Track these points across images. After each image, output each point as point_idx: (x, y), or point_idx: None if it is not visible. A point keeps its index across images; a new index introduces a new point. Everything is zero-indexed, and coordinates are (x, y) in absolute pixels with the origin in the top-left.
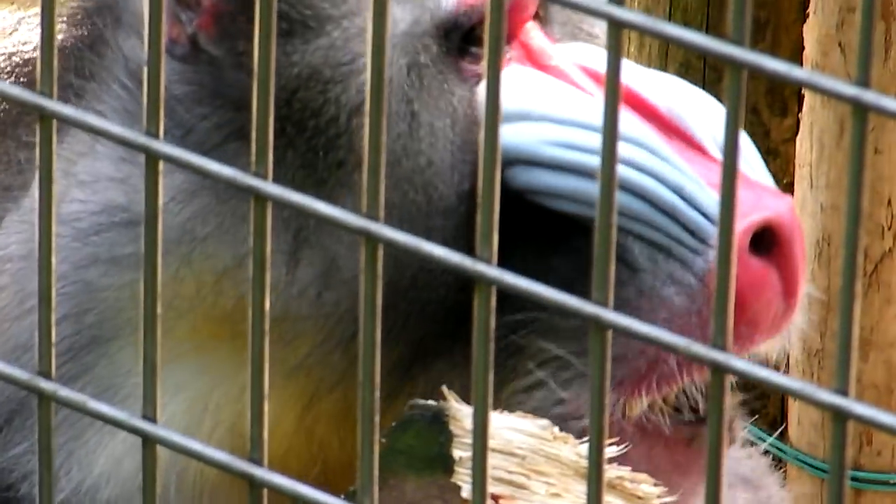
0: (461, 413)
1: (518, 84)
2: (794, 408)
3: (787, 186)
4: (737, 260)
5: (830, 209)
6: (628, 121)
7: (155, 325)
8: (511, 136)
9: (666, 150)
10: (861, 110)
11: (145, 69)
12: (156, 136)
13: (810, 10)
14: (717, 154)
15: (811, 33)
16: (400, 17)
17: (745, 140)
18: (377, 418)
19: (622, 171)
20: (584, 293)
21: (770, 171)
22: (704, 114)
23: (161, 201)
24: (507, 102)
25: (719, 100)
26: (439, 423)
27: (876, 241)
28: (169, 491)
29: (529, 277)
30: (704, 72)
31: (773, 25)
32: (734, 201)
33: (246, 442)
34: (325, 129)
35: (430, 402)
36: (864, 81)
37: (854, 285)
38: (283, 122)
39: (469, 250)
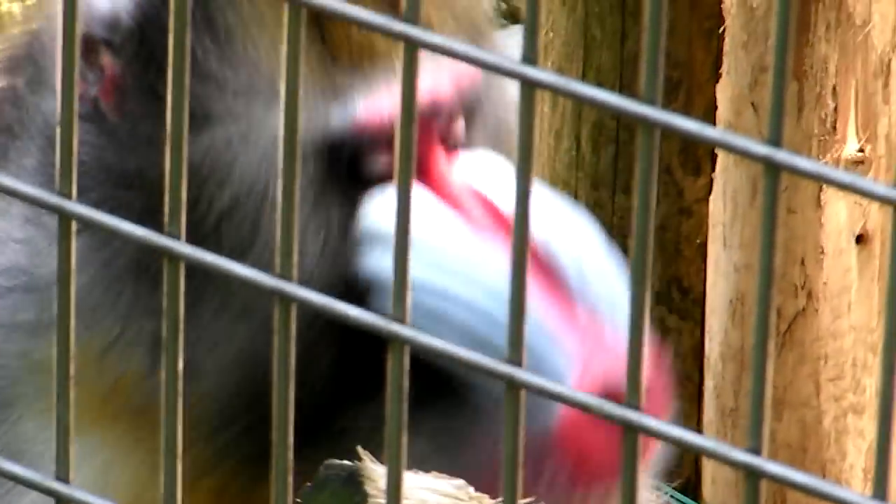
0: (376, 473)
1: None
2: (708, 467)
3: (701, 246)
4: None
5: (744, 269)
6: (495, 266)
7: (68, 386)
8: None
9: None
10: (773, 169)
11: (58, 128)
12: (68, 196)
13: (723, 69)
14: (583, 290)
15: (724, 93)
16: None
17: (614, 275)
18: (290, 479)
19: (476, 317)
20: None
21: (684, 231)
22: (578, 245)
23: (74, 262)
24: (382, 225)
25: (634, 159)
26: (354, 483)
27: (789, 300)
28: None
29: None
30: (618, 131)
31: (687, 85)
32: (645, 257)
33: None
34: (196, 226)
35: (345, 462)
36: (776, 141)
37: (767, 344)
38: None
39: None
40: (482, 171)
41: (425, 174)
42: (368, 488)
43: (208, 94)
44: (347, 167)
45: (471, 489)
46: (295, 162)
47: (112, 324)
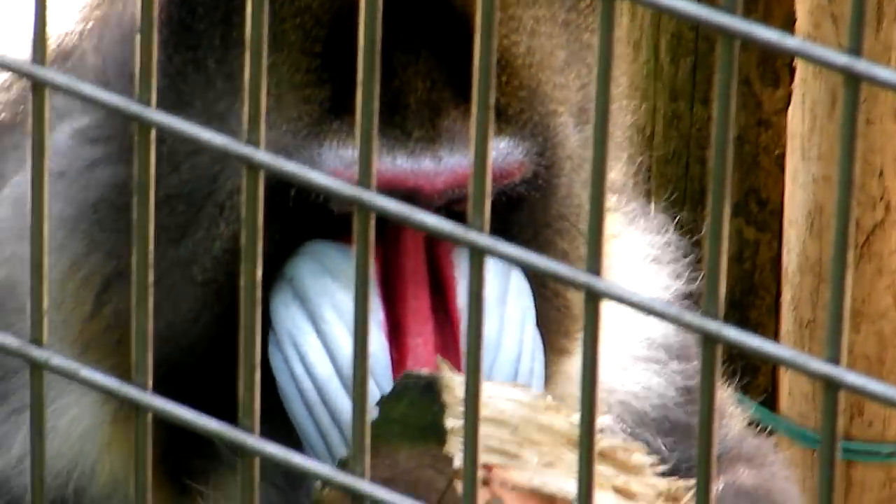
0: (454, 382)
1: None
2: (785, 378)
3: (779, 158)
4: None
5: (822, 180)
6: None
7: (147, 295)
8: (281, 307)
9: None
10: (853, 80)
11: (138, 37)
12: (148, 104)
13: None
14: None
15: (803, 4)
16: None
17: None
18: (367, 387)
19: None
20: None
21: (762, 142)
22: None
23: (153, 171)
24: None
25: (713, 70)
26: (432, 392)
27: (867, 212)
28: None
29: None
30: (697, 42)
31: None
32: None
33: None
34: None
35: (424, 371)
36: (855, 51)
37: (846, 256)
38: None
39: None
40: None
41: (394, 250)
42: (446, 397)
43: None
44: (303, 205)
45: (549, 398)
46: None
47: (104, 264)
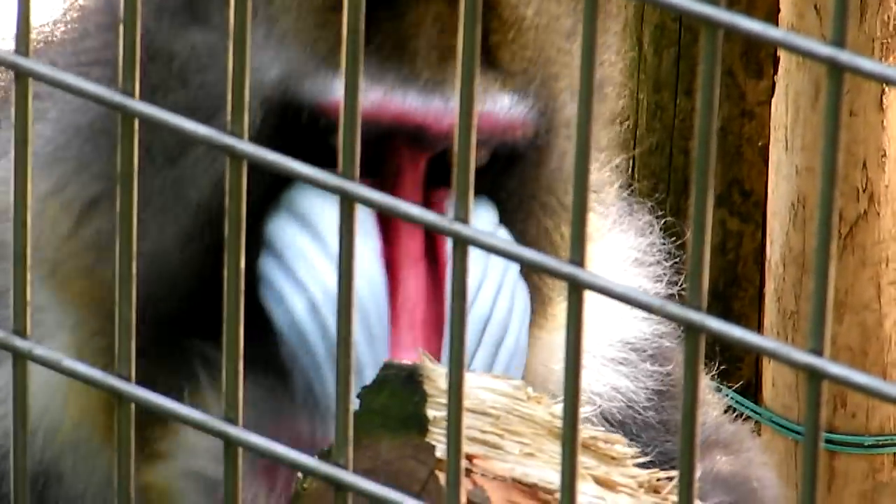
0: (435, 373)
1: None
2: (768, 369)
3: (763, 149)
4: None
5: (805, 171)
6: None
7: (131, 285)
8: (280, 229)
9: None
10: (836, 71)
11: (121, 27)
12: (131, 94)
13: None
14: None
15: None
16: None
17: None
18: (352, 378)
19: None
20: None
21: (745, 133)
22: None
23: (136, 162)
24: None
25: (696, 60)
26: (413, 382)
27: (851, 204)
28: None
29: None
30: (680, 33)
31: None
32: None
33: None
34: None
35: (405, 361)
36: (839, 42)
37: (829, 247)
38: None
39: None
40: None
41: (391, 187)
42: (427, 388)
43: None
44: (302, 141)
45: (529, 389)
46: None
47: (95, 178)
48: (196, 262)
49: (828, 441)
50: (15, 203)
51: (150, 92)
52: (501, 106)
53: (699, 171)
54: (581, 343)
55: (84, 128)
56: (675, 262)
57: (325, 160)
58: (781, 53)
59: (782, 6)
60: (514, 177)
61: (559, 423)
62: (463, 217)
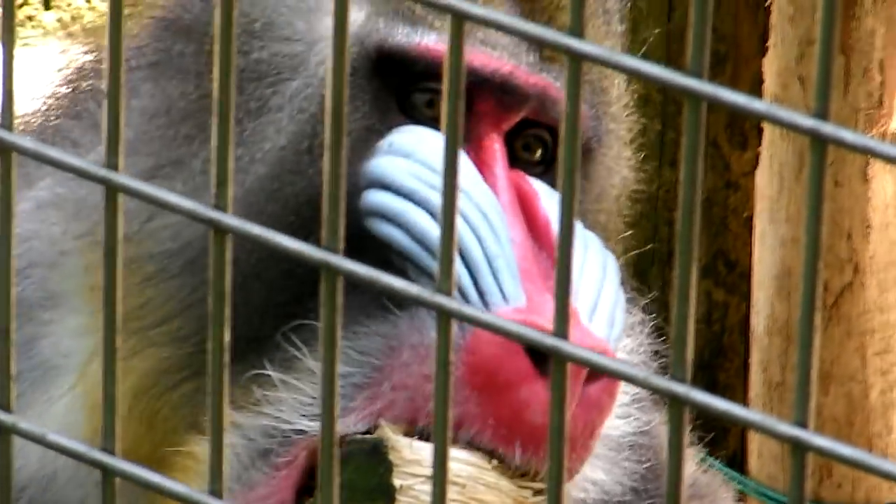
0: (399, 443)
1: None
2: (754, 440)
3: (747, 220)
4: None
5: (791, 242)
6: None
7: (115, 359)
8: (386, 164)
9: (503, 232)
10: (819, 142)
11: (105, 101)
12: (115, 168)
13: (770, 43)
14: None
15: (771, 67)
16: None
17: (608, 267)
18: (336, 451)
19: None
20: None
21: (730, 204)
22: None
23: (121, 234)
24: (405, 144)
25: (680, 132)
26: (378, 454)
27: (836, 275)
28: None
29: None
30: (664, 105)
31: (733, 59)
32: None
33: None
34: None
35: (367, 435)
36: (822, 114)
37: (813, 318)
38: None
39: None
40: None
41: (475, 154)
42: (392, 458)
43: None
44: (398, 84)
45: (493, 460)
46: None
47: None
48: (262, 218)
49: None
50: (0, 277)
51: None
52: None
53: (683, 242)
54: (565, 416)
55: (176, 95)
56: (661, 334)
57: (416, 108)
58: (766, 125)
59: (766, 77)
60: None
61: (524, 492)
62: (446, 290)
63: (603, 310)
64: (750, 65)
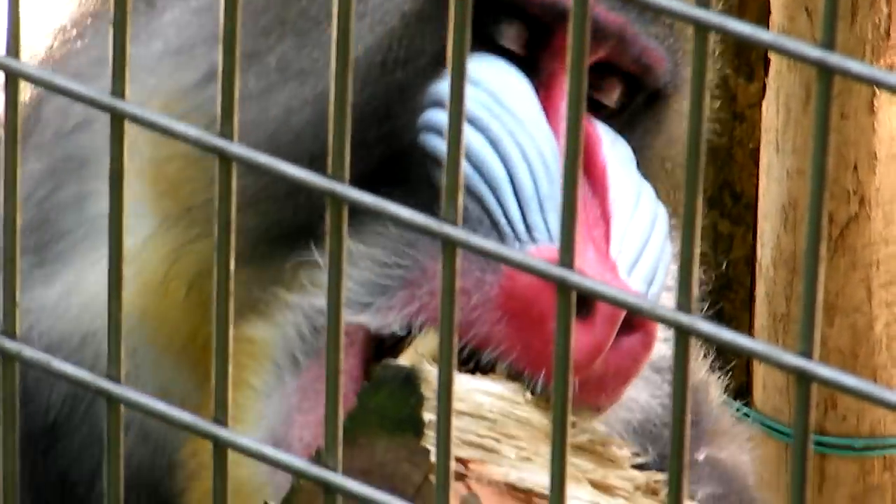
0: (433, 375)
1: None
2: (758, 372)
3: (754, 151)
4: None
5: (796, 174)
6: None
7: (119, 286)
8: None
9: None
10: (826, 73)
11: (111, 28)
12: (121, 95)
13: None
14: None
15: None
16: None
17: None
18: (341, 379)
19: (512, 149)
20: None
21: (736, 136)
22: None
23: (125, 163)
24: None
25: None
26: (411, 384)
27: (842, 206)
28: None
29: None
30: None
31: None
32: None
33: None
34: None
35: (402, 362)
36: (829, 44)
37: (819, 249)
38: None
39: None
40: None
41: (545, 90)
42: (424, 390)
43: None
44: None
45: (527, 393)
46: None
47: (196, 67)
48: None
49: (818, 444)
50: (6, 204)
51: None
52: (642, 30)
53: (689, 173)
54: (570, 346)
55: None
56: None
57: (493, 38)
58: (772, 56)
59: (773, 9)
60: (642, 123)
61: None
62: (452, 219)
63: (644, 265)
64: None
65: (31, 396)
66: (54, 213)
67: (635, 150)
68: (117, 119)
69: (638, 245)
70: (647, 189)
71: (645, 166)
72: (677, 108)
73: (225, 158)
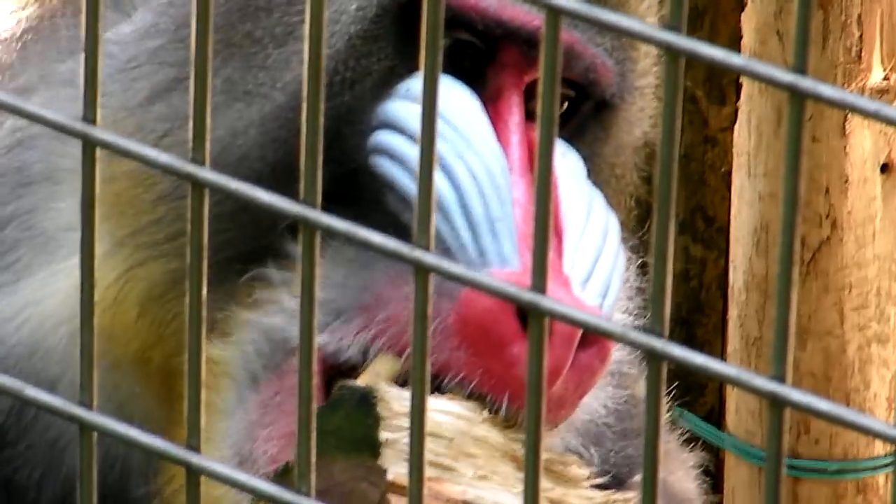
0: (389, 395)
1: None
2: (731, 396)
3: (725, 175)
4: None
5: (768, 197)
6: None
7: (91, 312)
8: (399, 108)
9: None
10: (798, 97)
11: (82, 55)
12: (93, 122)
13: None
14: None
15: (749, 22)
16: None
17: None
18: (314, 402)
19: (461, 172)
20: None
21: (708, 160)
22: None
23: (97, 189)
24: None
25: (658, 87)
26: (367, 404)
27: (814, 230)
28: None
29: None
30: None
31: (712, 14)
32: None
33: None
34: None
35: (359, 383)
36: (800, 68)
37: (791, 273)
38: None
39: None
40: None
41: (492, 106)
42: (381, 410)
43: None
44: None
45: (485, 412)
46: None
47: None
48: (276, 145)
49: (791, 467)
50: None
51: (237, 15)
52: (590, 43)
53: (661, 197)
54: (543, 370)
55: (158, 89)
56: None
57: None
58: (744, 80)
59: (744, 32)
60: (591, 131)
61: (514, 445)
62: (424, 245)
63: (598, 278)
64: (728, 19)
65: None
66: (5, 224)
67: (585, 159)
68: (89, 146)
69: (591, 258)
70: (597, 198)
71: (595, 174)
72: (626, 116)
73: (197, 184)
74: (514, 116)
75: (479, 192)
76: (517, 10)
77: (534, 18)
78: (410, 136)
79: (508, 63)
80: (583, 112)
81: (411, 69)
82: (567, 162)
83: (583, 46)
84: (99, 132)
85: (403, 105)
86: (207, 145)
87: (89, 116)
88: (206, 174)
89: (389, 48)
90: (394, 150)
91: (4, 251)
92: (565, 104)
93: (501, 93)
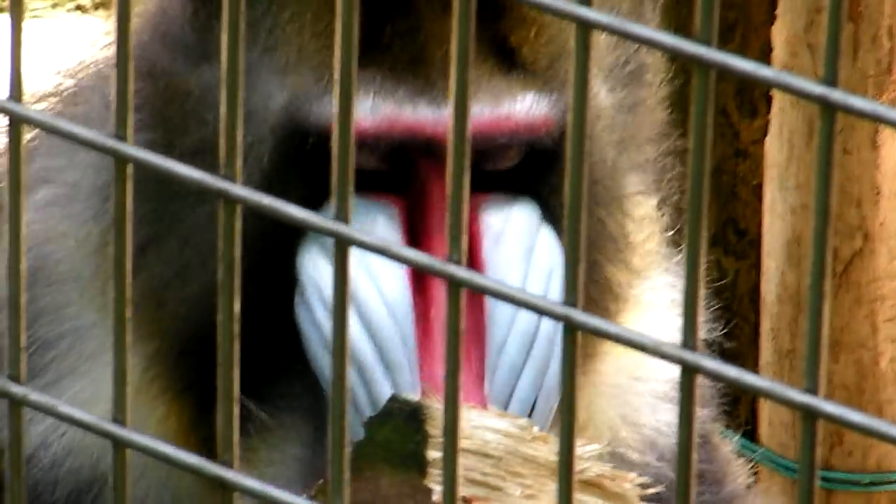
0: (439, 413)
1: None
2: (764, 408)
3: (757, 188)
4: None
5: (800, 209)
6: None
7: (125, 331)
8: (314, 264)
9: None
10: (829, 110)
11: (114, 70)
12: (124, 139)
13: (779, 11)
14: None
15: (780, 34)
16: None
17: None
18: (348, 418)
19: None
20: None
21: (740, 172)
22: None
23: (129, 205)
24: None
25: (689, 101)
26: (416, 421)
27: (846, 242)
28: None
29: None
30: (673, 73)
31: (742, 27)
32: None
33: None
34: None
35: (412, 397)
36: (831, 81)
37: (823, 285)
38: None
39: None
40: (504, 220)
41: (421, 201)
42: (429, 428)
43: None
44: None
45: (535, 428)
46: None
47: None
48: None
49: (824, 479)
50: (10, 249)
51: (170, 132)
52: (523, 106)
53: (693, 210)
54: (575, 384)
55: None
56: (710, 307)
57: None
58: (775, 92)
59: (775, 45)
60: (555, 173)
61: None
62: (456, 259)
63: (525, 380)
64: (759, 33)
65: (36, 496)
66: (32, 322)
67: (546, 195)
68: (121, 162)
69: (516, 361)
70: (544, 247)
71: (558, 208)
72: (592, 136)
73: (229, 200)
74: (439, 215)
75: (374, 339)
76: (411, 117)
77: (426, 122)
78: (323, 300)
79: (421, 161)
80: (534, 158)
81: (324, 198)
82: (512, 220)
83: (514, 119)
84: (130, 149)
85: (317, 259)
86: (239, 162)
87: (120, 133)
88: (238, 190)
89: (299, 183)
90: (311, 313)
91: (42, 349)
92: (509, 159)
93: (426, 185)
